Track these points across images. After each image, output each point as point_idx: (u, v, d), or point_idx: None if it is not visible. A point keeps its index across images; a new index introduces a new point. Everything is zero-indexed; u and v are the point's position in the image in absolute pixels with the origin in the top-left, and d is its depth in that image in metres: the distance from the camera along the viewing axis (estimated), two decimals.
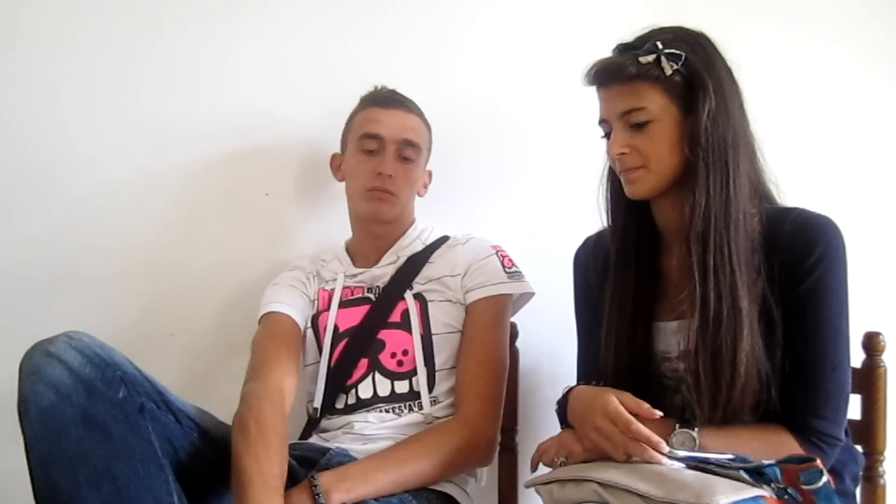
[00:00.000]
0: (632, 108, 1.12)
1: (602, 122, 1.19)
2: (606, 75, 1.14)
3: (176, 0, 1.62)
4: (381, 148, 1.44)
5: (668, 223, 1.21)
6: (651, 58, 1.11)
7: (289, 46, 1.65)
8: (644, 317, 1.20)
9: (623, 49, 1.16)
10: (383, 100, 1.49)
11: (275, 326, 1.42)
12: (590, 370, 1.27)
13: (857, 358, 1.28)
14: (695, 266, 1.09)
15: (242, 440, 1.18)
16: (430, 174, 1.57)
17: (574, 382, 1.26)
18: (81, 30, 1.59)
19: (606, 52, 1.19)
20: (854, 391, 1.25)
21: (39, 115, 1.58)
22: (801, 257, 1.09)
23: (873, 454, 1.27)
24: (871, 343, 1.29)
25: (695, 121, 1.11)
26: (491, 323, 1.40)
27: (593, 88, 1.19)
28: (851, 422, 1.24)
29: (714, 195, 1.10)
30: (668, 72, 1.11)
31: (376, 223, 1.47)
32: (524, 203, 1.71)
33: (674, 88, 1.12)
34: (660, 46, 1.12)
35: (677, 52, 1.12)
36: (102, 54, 1.59)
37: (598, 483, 0.97)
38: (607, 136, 1.18)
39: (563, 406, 1.20)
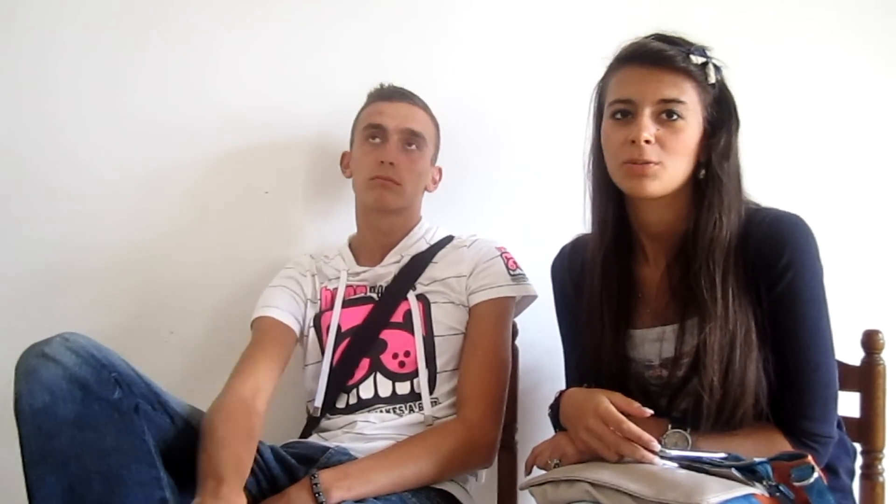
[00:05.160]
0: (674, 98, 1.10)
1: (623, 101, 1.12)
2: (655, 58, 1.11)
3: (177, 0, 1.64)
4: (384, 138, 1.46)
5: (649, 226, 1.20)
6: (701, 60, 1.11)
7: (286, 45, 1.66)
8: (623, 324, 1.20)
9: (661, 39, 1.14)
10: (388, 94, 1.52)
11: (257, 333, 1.43)
12: (576, 378, 1.27)
13: (856, 356, 1.28)
14: (718, 283, 1.09)
15: (205, 437, 1.18)
16: (440, 171, 1.57)
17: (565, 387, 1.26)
18: (79, 28, 1.60)
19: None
20: (853, 389, 1.26)
21: (36, 114, 1.59)
22: (772, 261, 1.09)
23: (872, 452, 1.26)
24: (871, 341, 1.28)
25: (728, 138, 1.12)
26: (494, 325, 1.40)
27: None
28: (850, 419, 1.25)
29: (735, 213, 1.11)
30: (712, 80, 1.12)
31: (381, 213, 1.47)
32: (524, 202, 1.71)
33: (707, 97, 1.13)
34: (708, 53, 1.13)
35: (719, 64, 1.14)
36: (100, 53, 1.61)
37: (589, 483, 0.97)
38: (619, 115, 1.13)
39: (555, 409, 1.20)
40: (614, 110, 1.14)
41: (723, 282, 1.09)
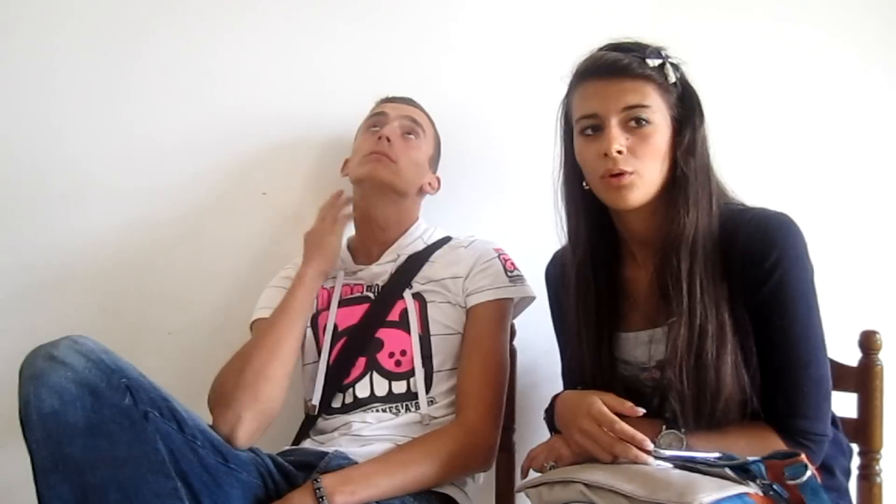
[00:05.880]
0: (637, 103, 1.11)
1: (589, 116, 1.14)
2: (613, 69, 1.12)
3: (173, 1, 1.65)
4: (384, 123, 1.49)
5: (635, 233, 1.20)
6: (657, 62, 1.12)
7: (283, 49, 1.67)
8: (609, 328, 1.20)
9: (615, 49, 1.15)
10: (390, 98, 1.57)
11: (255, 334, 1.44)
12: (571, 382, 1.28)
13: (853, 356, 1.28)
14: (683, 277, 1.09)
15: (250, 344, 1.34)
16: (438, 179, 1.58)
17: (562, 389, 1.27)
18: (77, 30, 1.61)
19: (597, 45, 1.18)
20: (850, 390, 1.26)
21: (34, 116, 1.60)
22: (760, 259, 1.09)
23: (870, 452, 1.26)
24: (868, 341, 1.27)
25: (692, 134, 1.13)
26: (492, 327, 1.40)
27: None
28: (848, 420, 1.25)
29: (702, 208, 1.12)
30: (672, 79, 1.13)
31: (374, 195, 1.46)
32: (522, 204, 1.70)
33: (670, 97, 1.14)
34: (664, 54, 1.13)
35: (677, 62, 1.14)
36: (97, 55, 1.62)
37: (584, 484, 0.97)
38: (589, 130, 1.14)
39: (550, 413, 1.21)
40: (582, 127, 1.15)
41: (689, 276, 1.09)
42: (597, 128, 1.14)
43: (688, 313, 1.08)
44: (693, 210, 1.11)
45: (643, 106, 1.11)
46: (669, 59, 1.14)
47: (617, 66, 1.11)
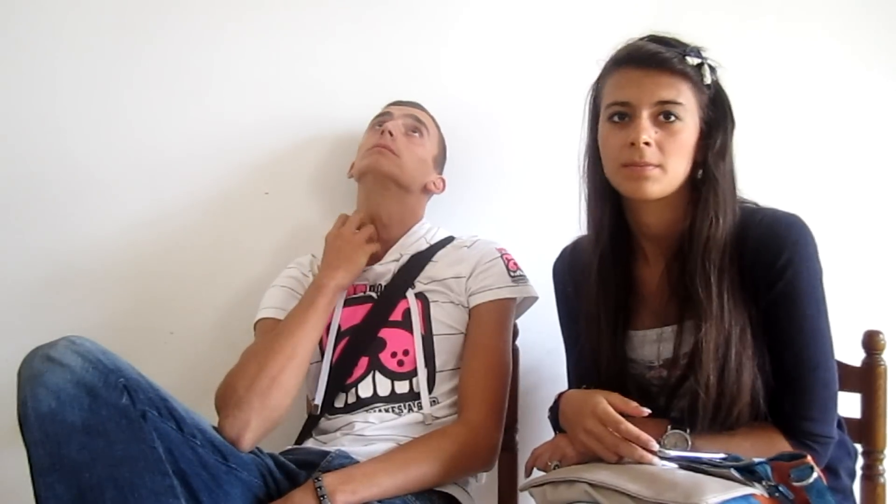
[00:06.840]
0: (671, 99, 1.10)
1: (621, 104, 1.12)
2: (652, 61, 1.11)
3: (176, 1, 1.65)
4: (388, 121, 1.50)
5: (648, 229, 1.20)
6: (696, 61, 1.12)
7: (284, 49, 1.67)
8: (621, 325, 1.20)
9: (656, 41, 1.14)
10: (397, 101, 1.58)
11: (259, 335, 1.44)
12: (576, 379, 1.28)
13: (857, 356, 1.28)
14: (713, 281, 1.09)
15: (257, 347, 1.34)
16: (443, 181, 1.58)
17: (566, 388, 1.26)
18: (78, 29, 1.61)
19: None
20: (854, 390, 1.26)
21: (35, 116, 1.60)
22: (770, 260, 1.09)
23: (873, 453, 1.26)
24: (872, 341, 1.28)
25: (723, 137, 1.13)
26: (495, 327, 1.40)
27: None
28: (851, 420, 1.25)
29: (730, 211, 1.12)
30: (707, 81, 1.13)
31: (376, 183, 1.47)
32: (525, 203, 1.71)
33: (703, 98, 1.13)
34: (703, 54, 1.13)
35: (715, 65, 1.14)
36: (99, 55, 1.62)
37: (588, 484, 0.97)
38: (616, 118, 1.13)
39: (554, 411, 1.20)
40: (611, 113, 1.14)
41: (718, 281, 1.09)
42: (625, 116, 1.13)
43: (718, 316, 1.08)
44: (722, 213, 1.11)
45: (676, 102, 1.10)
46: (708, 61, 1.14)
47: (656, 58, 1.11)
